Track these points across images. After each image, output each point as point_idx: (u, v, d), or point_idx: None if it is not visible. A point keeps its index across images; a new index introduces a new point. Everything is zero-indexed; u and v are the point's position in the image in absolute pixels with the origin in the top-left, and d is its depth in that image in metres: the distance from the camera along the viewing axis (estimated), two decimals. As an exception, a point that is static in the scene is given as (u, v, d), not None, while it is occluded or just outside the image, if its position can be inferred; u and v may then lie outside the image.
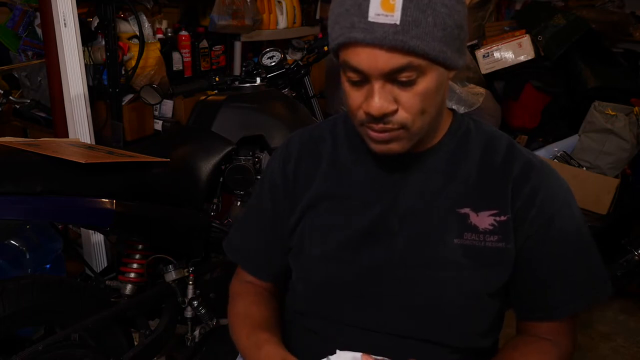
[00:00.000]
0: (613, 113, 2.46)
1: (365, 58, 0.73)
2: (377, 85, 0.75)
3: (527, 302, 0.89)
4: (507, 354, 0.88)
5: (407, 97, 0.75)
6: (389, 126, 0.77)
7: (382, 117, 0.76)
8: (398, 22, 0.70)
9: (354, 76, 0.76)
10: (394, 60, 0.72)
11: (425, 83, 0.75)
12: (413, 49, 0.71)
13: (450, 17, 0.72)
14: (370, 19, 0.70)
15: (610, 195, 2.32)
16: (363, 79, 0.76)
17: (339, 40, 0.75)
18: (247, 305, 0.98)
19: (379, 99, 0.75)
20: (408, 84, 0.74)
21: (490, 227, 0.84)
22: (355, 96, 0.79)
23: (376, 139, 0.80)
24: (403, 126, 0.78)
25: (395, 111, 0.76)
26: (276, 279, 1.02)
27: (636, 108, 2.51)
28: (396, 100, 0.76)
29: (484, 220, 0.84)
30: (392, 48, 0.71)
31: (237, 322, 0.96)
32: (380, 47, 0.71)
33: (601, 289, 0.88)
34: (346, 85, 0.79)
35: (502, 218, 0.84)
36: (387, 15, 0.70)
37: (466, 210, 0.85)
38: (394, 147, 0.81)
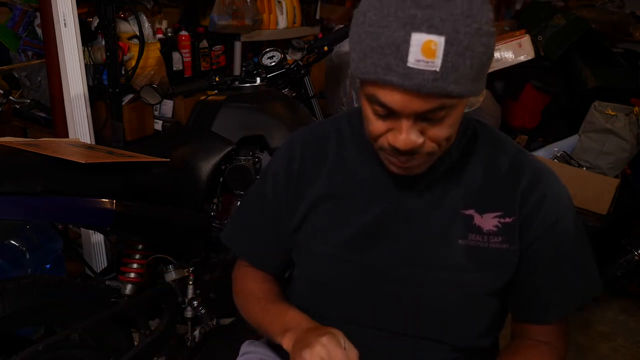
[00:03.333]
0: (613, 113, 2.46)
1: (399, 99, 0.70)
2: (407, 123, 0.72)
3: (524, 304, 0.89)
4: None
5: (435, 130, 0.74)
6: (414, 156, 0.76)
7: (408, 152, 0.75)
8: (438, 69, 0.66)
9: (381, 110, 0.73)
10: (429, 104, 0.70)
11: (454, 116, 0.74)
12: (450, 93, 0.68)
13: (486, 54, 0.70)
14: (409, 65, 0.66)
15: (610, 195, 2.32)
16: (391, 114, 0.73)
17: (371, 77, 0.70)
18: (255, 283, 0.99)
19: (408, 136, 0.73)
20: (438, 121, 0.73)
21: (495, 229, 0.84)
22: (378, 125, 0.76)
23: (398, 166, 0.79)
24: (428, 154, 0.77)
25: (422, 144, 0.75)
26: (276, 271, 1.02)
27: (636, 108, 2.51)
28: (423, 133, 0.74)
29: (488, 221, 0.84)
30: (430, 94, 0.69)
31: (249, 298, 0.97)
32: (417, 93, 0.68)
33: (592, 288, 0.89)
34: (369, 113, 0.76)
35: (507, 220, 0.84)
36: (427, 62, 0.66)
37: (470, 211, 0.85)
38: (416, 170, 0.80)
